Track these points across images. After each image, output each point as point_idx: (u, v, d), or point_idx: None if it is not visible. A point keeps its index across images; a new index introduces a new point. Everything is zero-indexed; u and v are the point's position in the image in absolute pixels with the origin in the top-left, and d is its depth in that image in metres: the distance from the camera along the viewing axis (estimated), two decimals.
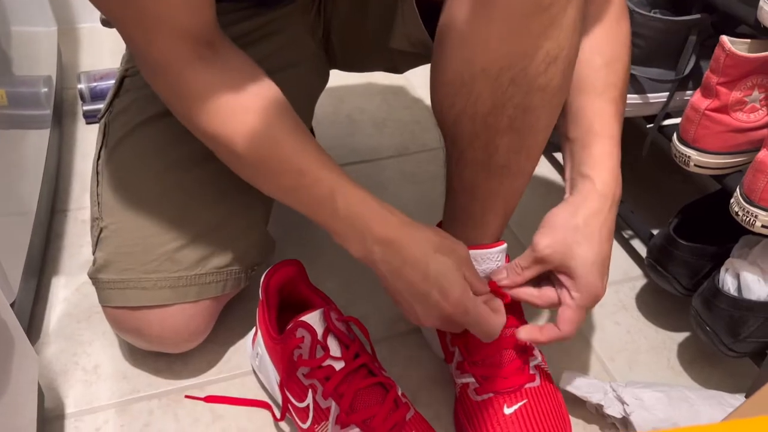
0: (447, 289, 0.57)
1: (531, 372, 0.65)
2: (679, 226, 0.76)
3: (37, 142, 0.90)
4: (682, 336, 0.80)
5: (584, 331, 0.80)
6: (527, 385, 0.64)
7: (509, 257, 0.67)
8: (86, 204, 0.93)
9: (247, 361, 0.73)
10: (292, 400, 0.62)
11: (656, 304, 0.83)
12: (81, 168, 1.00)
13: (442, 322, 0.60)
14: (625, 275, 0.87)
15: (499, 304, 0.62)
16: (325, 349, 0.61)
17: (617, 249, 0.91)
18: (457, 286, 0.57)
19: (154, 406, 0.69)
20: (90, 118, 1.09)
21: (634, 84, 0.77)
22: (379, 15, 0.73)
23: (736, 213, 0.64)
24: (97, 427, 0.67)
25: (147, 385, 0.71)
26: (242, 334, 0.76)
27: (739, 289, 0.68)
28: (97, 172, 0.71)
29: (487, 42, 0.53)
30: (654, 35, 0.73)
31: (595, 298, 0.61)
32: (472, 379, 0.65)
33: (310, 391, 0.61)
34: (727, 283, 0.68)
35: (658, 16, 0.74)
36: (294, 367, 0.61)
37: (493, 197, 0.63)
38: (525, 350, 0.65)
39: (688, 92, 0.78)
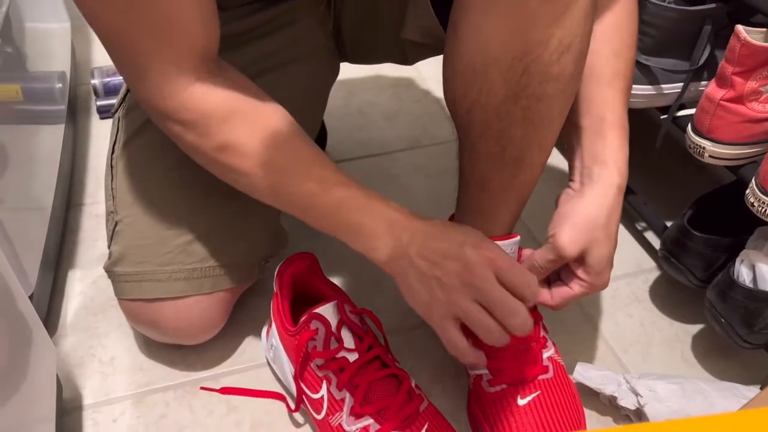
0: (472, 255, 0.54)
1: (544, 364, 0.65)
2: (694, 217, 0.75)
3: (52, 137, 0.91)
4: (696, 328, 0.79)
5: (597, 323, 0.79)
6: (540, 377, 0.64)
7: (521, 249, 0.67)
8: (101, 198, 0.94)
9: (262, 353, 0.74)
10: (307, 391, 0.63)
11: (670, 296, 0.83)
12: (95, 163, 1.01)
13: (468, 299, 0.55)
14: (639, 267, 0.87)
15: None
16: (339, 341, 0.61)
17: (631, 241, 0.90)
18: (483, 249, 0.55)
19: (170, 397, 0.70)
20: (104, 113, 1.10)
21: (648, 74, 0.76)
22: (390, 5, 0.73)
23: (752, 204, 0.64)
24: (114, 418, 0.68)
25: (162, 377, 0.72)
26: (257, 327, 0.77)
27: (754, 280, 0.67)
28: (111, 167, 0.72)
29: (500, 31, 0.53)
30: (668, 25, 0.73)
31: (600, 289, 0.62)
32: (485, 371, 0.65)
33: (324, 382, 0.61)
34: (742, 274, 0.68)
35: (673, 5, 0.73)
36: (308, 359, 0.62)
37: (505, 189, 0.63)
38: (539, 341, 0.65)
39: (703, 83, 0.78)
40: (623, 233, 0.91)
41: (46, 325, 0.75)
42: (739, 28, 0.63)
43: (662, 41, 0.74)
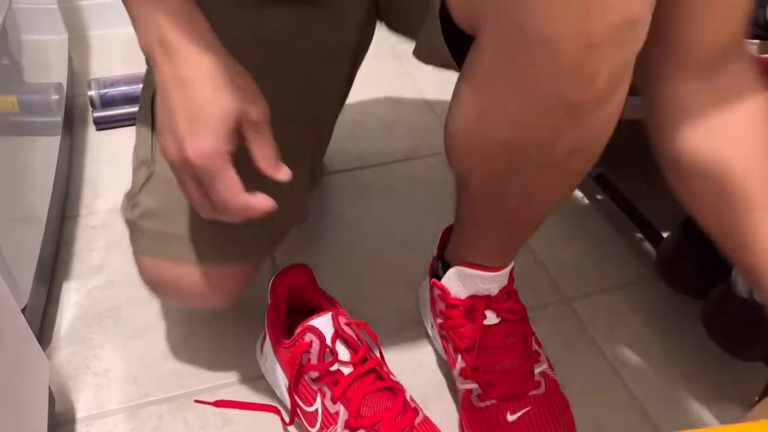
0: (197, 132, 0.47)
1: (536, 379, 0.64)
2: (690, 228, 0.75)
3: (48, 148, 0.91)
4: (693, 339, 0.79)
5: (594, 334, 0.79)
6: (531, 393, 0.63)
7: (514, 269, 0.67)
8: (96, 209, 0.94)
9: (257, 366, 0.73)
10: (301, 404, 0.62)
11: (667, 307, 0.83)
12: (91, 174, 1.01)
13: (184, 167, 0.50)
14: (636, 278, 0.86)
15: (263, 197, 0.51)
16: (334, 353, 0.61)
17: (627, 252, 0.90)
18: (209, 135, 0.47)
19: (164, 410, 0.70)
20: (100, 124, 1.10)
21: None
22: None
23: None
24: (107, 430, 0.68)
25: (157, 390, 0.71)
26: (251, 339, 0.76)
27: (751, 291, 0.67)
28: (152, 114, 0.66)
29: (506, 122, 0.50)
30: None
31: None
32: (476, 386, 0.65)
33: (318, 395, 0.61)
34: (739, 285, 0.67)
35: None
36: (302, 372, 0.61)
37: (501, 236, 0.62)
38: (530, 357, 0.65)
39: None
40: (619, 244, 0.91)
41: (40, 336, 0.75)
42: None
43: None
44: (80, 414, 0.69)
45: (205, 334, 0.77)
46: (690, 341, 0.79)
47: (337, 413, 0.60)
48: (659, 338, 0.79)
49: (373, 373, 0.61)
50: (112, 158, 1.04)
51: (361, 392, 0.60)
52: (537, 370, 0.65)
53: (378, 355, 0.64)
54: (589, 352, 0.77)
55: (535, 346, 0.67)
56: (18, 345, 0.58)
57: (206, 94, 0.48)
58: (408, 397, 0.62)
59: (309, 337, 0.60)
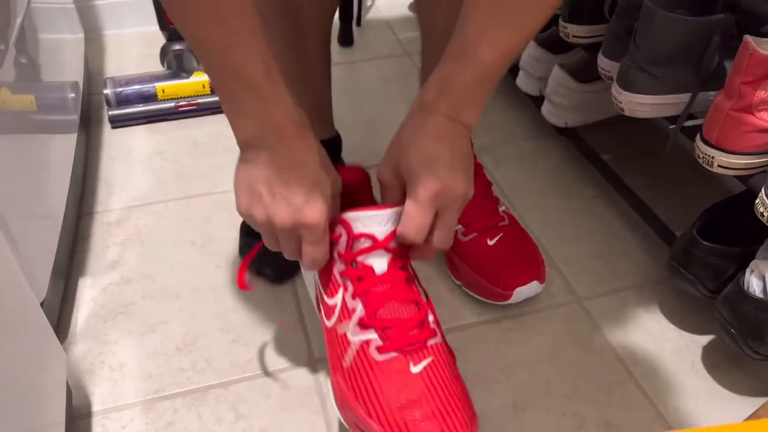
0: (313, 200, 0.56)
1: (501, 214, 0.84)
2: (703, 227, 0.75)
3: (65, 146, 0.92)
4: (706, 339, 0.79)
5: (607, 333, 0.79)
6: (500, 224, 0.83)
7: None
8: (112, 207, 0.95)
9: (269, 361, 0.74)
10: (324, 295, 0.62)
11: (680, 307, 0.82)
12: (107, 172, 1.02)
13: (293, 228, 0.57)
14: (648, 277, 0.86)
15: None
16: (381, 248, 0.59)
17: (640, 251, 0.90)
18: (325, 204, 0.57)
19: (179, 404, 0.70)
20: (116, 122, 1.11)
21: (657, 84, 0.76)
22: None
23: (761, 214, 0.63)
24: (123, 424, 0.69)
25: (171, 384, 0.72)
26: (264, 336, 0.77)
27: (764, 290, 0.67)
28: None
29: None
30: (677, 35, 0.73)
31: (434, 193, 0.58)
32: (460, 226, 0.82)
33: (341, 289, 0.60)
34: (752, 284, 0.67)
35: (681, 16, 0.73)
36: (331, 263, 0.61)
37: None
38: (493, 199, 0.85)
39: (712, 93, 0.77)
40: (632, 243, 0.91)
41: (56, 331, 0.76)
42: (748, 38, 0.63)
43: (671, 51, 0.74)
44: (96, 408, 0.70)
45: (218, 330, 0.78)
46: (703, 340, 0.79)
47: (353, 310, 0.59)
48: (672, 337, 0.79)
49: (404, 282, 0.60)
50: (127, 156, 1.05)
51: (384, 295, 0.59)
52: (500, 209, 0.84)
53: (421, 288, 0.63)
54: (602, 352, 0.77)
55: (495, 193, 0.86)
56: (36, 338, 0.59)
57: (318, 171, 0.58)
58: (431, 318, 0.60)
59: (352, 220, 0.59)
